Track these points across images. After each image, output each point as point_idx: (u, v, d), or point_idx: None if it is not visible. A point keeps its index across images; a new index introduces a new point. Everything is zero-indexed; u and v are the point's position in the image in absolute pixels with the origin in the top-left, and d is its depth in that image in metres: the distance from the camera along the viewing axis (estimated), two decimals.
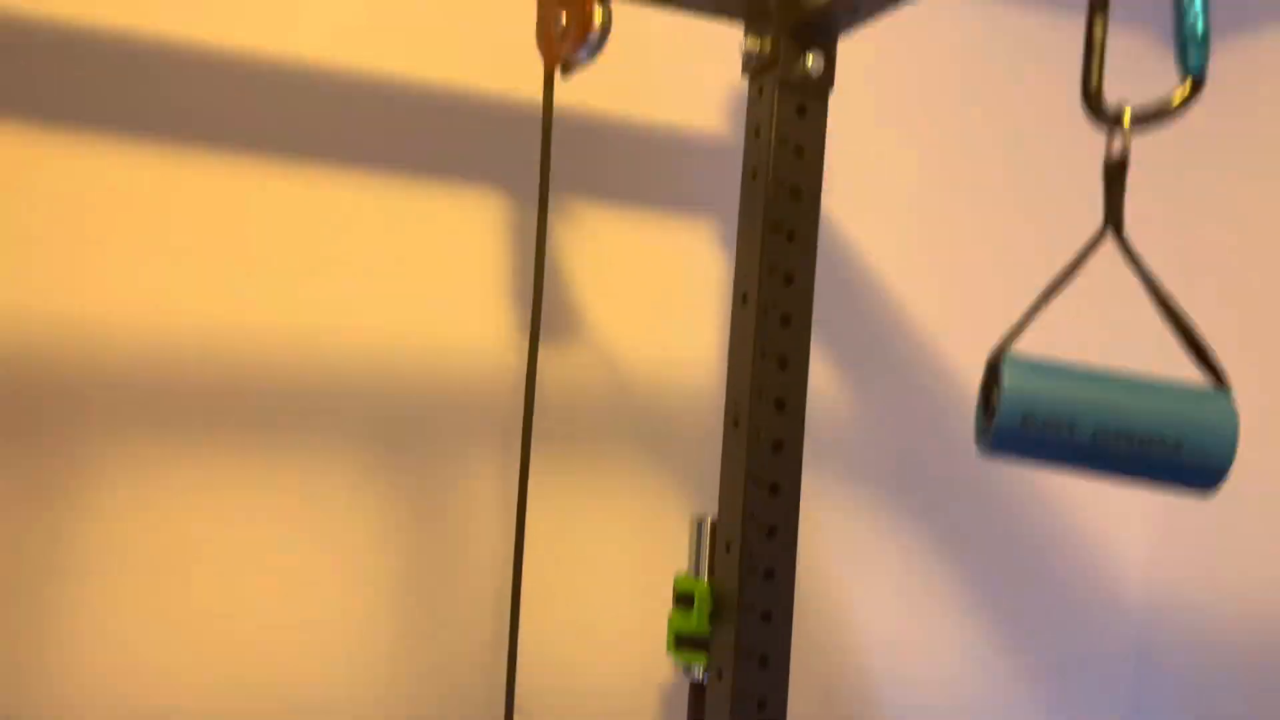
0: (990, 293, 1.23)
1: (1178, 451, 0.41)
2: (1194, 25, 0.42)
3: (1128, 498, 1.29)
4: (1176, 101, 0.41)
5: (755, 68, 0.94)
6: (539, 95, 1.02)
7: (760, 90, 0.94)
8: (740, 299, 0.95)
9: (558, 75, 0.82)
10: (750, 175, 0.95)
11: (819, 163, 0.93)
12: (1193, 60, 0.41)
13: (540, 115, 1.02)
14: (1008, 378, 0.41)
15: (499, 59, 1.02)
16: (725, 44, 1.08)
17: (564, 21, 0.79)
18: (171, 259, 0.93)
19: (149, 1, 0.92)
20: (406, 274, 1.00)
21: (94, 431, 0.90)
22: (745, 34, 0.95)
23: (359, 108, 0.98)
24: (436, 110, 1.01)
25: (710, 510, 1.07)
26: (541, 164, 0.82)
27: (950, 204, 1.22)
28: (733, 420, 0.95)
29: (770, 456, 0.93)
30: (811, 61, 0.91)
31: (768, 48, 0.92)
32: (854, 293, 1.18)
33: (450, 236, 1.02)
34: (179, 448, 0.93)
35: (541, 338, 1.04)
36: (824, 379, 1.16)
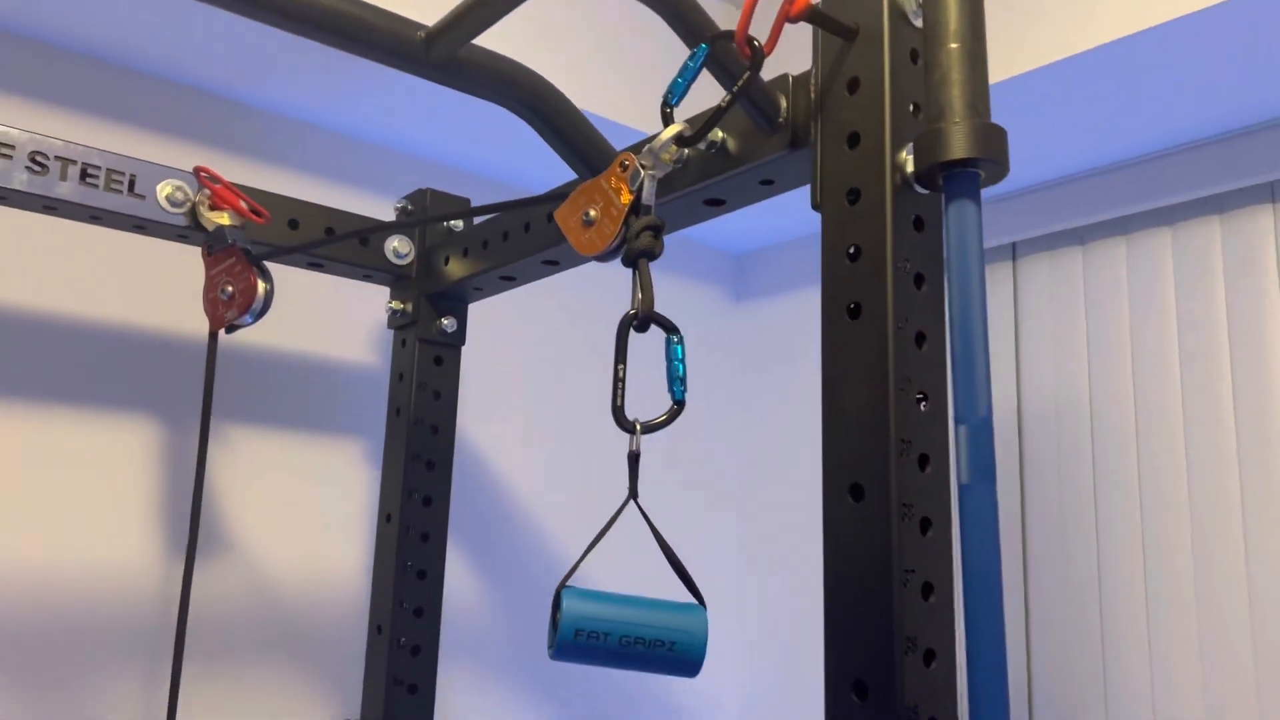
0: (598, 511, 1.46)
1: (672, 649, 0.62)
2: (677, 369, 0.65)
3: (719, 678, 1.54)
4: (665, 417, 0.64)
5: (399, 324, 1.13)
6: (200, 337, 1.13)
7: (404, 343, 1.13)
8: (385, 518, 1.10)
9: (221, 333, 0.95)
10: (395, 413, 1.12)
11: (454, 403, 1.12)
12: (676, 393, 0.64)
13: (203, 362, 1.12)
14: (565, 605, 0.60)
15: (165, 303, 1.12)
16: (374, 295, 1.26)
17: (230, 290, 0.93)
18: None
19: None
20: (57, 502, 1.04)
21: None
22: (391, 296, 1.13)
23: (4, 339, 1.03)
24: (87, 345, 1.08)
25: (354, 712, 1.16)
26: (203, 418, 0.93)
27: (570, 435, 1.45)
28: (376, 627, 1.07)
29: (409, 659, 1.06)
30: (446, 322, 1.11)
31: (410, 309, 1.11)
32: (483, 512, 1.35)
33: (102, 464, 1.07)
34: None
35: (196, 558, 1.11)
36: (459, 587, 1.30)
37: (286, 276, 1.17)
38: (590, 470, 1.46)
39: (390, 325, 1.14)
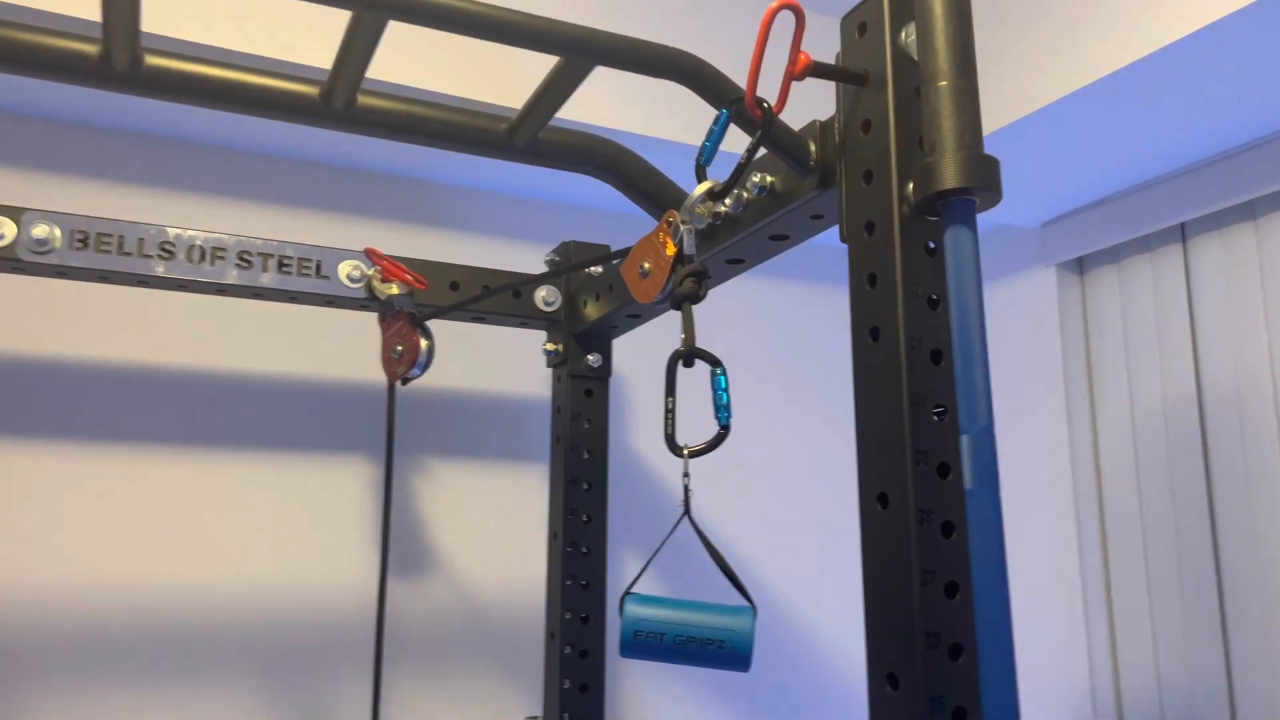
0: (742, 504, 1.54)
1: (721, 646, 0.70)
2: (721, 397, 0.73)
3: None
4: (710, 442, 0.72)
5: (554, 362, 1.27)
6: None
7: (559, 379, 1.26)
8: (552, 536, 1.23)
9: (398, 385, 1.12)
10: (556, 441, 1.26)
11: (604, 430, 1.24)
12: (721, 419, 0.73)
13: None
14: (626, 609, 0.70)
15: (355, 363, 1.33)
16: (538, 340, 1.41)
17: (400, 349, 1.10)
18: (96, 534, 1.17)
19: (82, 329, 1.20)
20: (286, 531, 1.26)
21: (24, 676, 1.11)
22: (546, 340, 1.27)
23: (239, 400, 1.26)
24: (306, 398, 1.30)
25: (539, 710, 1.31)
26: (387, 458, 1.11)
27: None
28: (550, 634, 1.21)
29: (579, 661, 1.19)
30: (592, 358, 1.23)
31: (561, 349, 1.24)
32: (637, 526, 1.47)
33: (321, 496, 1.28)
34: (104, 687, 1.14)
35: (399, 573, 1.30)
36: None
37: (468, 331, 1.35)
38: (736, 477, 1.54)
39: (548, 364, 1.28)
